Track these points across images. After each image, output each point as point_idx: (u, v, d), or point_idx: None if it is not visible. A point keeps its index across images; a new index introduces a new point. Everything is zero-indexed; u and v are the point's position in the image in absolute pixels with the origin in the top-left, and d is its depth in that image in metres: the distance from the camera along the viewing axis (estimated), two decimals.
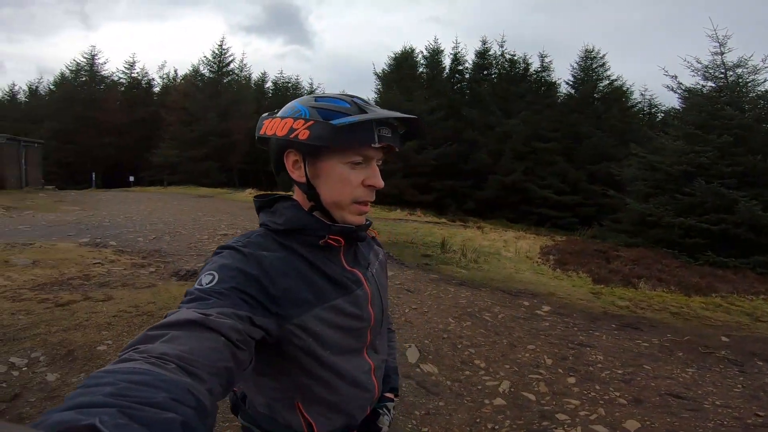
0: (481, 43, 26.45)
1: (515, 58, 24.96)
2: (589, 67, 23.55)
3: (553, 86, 24.75)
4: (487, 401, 2.68)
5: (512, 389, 2.86)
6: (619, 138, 20.87)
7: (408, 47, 26.02)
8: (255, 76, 33.84)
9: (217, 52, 29.81)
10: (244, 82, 31.37)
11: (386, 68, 26.06)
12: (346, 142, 0.70)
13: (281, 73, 34.14)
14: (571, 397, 2.81)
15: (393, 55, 26.11)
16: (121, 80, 33.53)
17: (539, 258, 8.99)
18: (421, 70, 26.26)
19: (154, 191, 21.06)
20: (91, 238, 6.74)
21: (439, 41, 26.89)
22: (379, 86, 26.66)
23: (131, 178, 25.40)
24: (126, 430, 0.31)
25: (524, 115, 21.79)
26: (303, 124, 0.71)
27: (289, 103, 0.77)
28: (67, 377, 2.56)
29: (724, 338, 4.30)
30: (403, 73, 24.85)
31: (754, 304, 6.15)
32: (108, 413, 0.32)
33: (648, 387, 3.02)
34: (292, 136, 0.71)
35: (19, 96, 37.87)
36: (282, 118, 0.74)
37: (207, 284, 0.62)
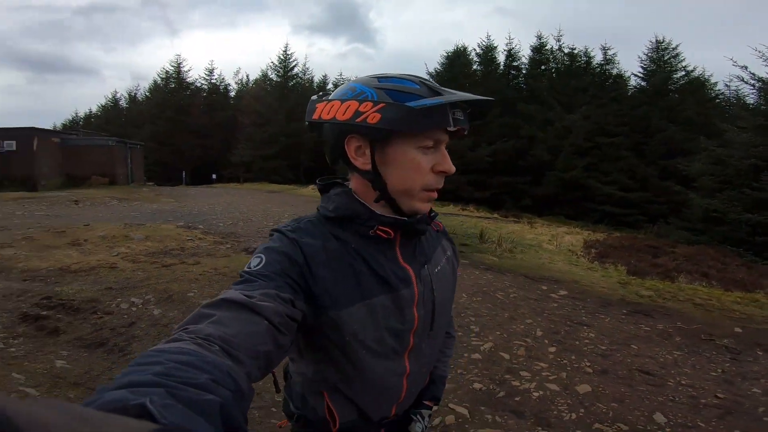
0: (536, 38, 25.82)
1: (575, 51, 24.04)
2: (661, 58, 22.06)
3: (620, 79, 23.49)
4: (466, 355, 3.29)
5: (493, 349, 3.42)
6: (695, 131, 19.41)
7: (460, 45, 26.19)
8: (317, 78, 35.79)
9: (282, 57, 32.24)
10: (307, 84, 33.43)
11: (439, 67, 26.43)
12: (421, 125, 0.67)
13: (341, 74, 35.53)
14: (543, 361, 3.26)
15: (445, 54, 26.39)
16: (203, 86, 37.31)
17: (581, 251, 9.13)
18: (474, 67, 26.24)
19: (231, 187, 23.50)
20: (184, 222, 8.32)
21: (492, 38, 26.73)
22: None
23: (213, 176, 28.47)
24: (172, 410, 0.32)
25: (586, 110, 21.04)
26: (372, 107, 0.66)
27: (346, 85, 0.73)
28: (167, 312, 3.69)
29: (737, 329, 4.37)
30: (456, 72, 25.07)
31: None
32: (157, 393, 0.33)
33: (623, 362, 3.31)
34: (359, 119, 0.67)
35: (121, 102, 42.97)
36: (342, 100, 0.69)
37: (255, 267, 0.63)
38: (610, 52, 23.47)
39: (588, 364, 3.23)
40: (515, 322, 4.10)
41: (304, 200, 15.48)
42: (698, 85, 22.12)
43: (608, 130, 20.98)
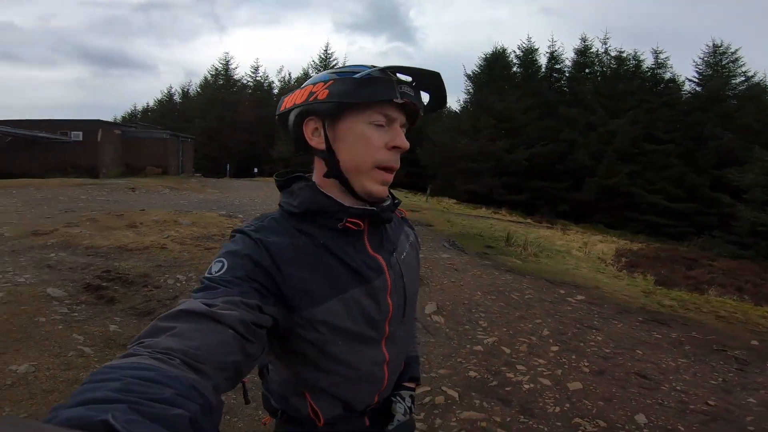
0: (580, 40, 25.07)
1: (623, 54, 23.13)
2: (718, 63, 20.84)
3: (672, 83, 22.39)
4: (468, 346, 3.50)
5: (495, 343, 3.60)
6: (753, 140, 18.21)
7: (499, 47, 25.96)
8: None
9: (322, 56, 33.19)
10: None
11: (477, 69, 26.24)
12: (367, 95, 0.68)
13: None
14: (542, 358, 3.37)
15: (483, 56, 26.20)
16: (249, 83, 38.96)
17: (611, 260, 9.00)
18: (514, 69, 25.84)
19: (271, 181, 24.61)
20: (226, 212, 8.98)
21: (532, 40, 26.21)
22: (468, 87, 26.99)
23: (255, 170, 29.77)
24: (138, 425, 0.31)
25: (633, 114, 20.24)
26: (322, 86, 0.69)
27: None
28: None
29: (754, 342, 4.29)
30: (495, 74, 24.80)
31: None
32: (119, 409, 0.32)
33: (622, 365, 3.35)
34: (311, 99, 0.69)
35: (175, 97, 45.35)
36: (302, 88, 0.72)
37: (216, 272, 0.61)
38: (662, 56, 22.46)
39: (586, 364, 3.34)
40: (524, 321, 4.26)
41: None
42: (759, 91, 20.67)
43: (657, 136, 20.13)
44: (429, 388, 2.82)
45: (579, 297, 5.48)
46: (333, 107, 0.69)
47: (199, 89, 40.03)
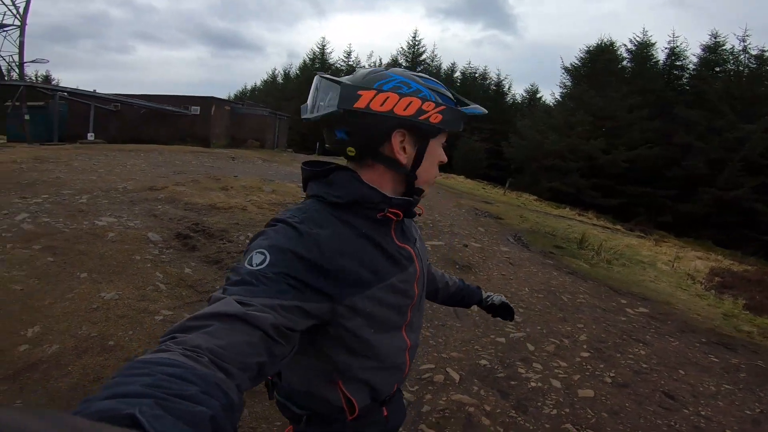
0: (710, 36, 21.56)
1: (766, 54, 19.46)
2: None
3: None
4: (492, 336, 3.51)
5: (521, 339, 3.55)
6: None
7: (606, 40, 23.48)
8: (445, 65, 35.85)
9: (411, 42, 33.11)
10: (434, 71, 33.89)
11: (577, 62, 24.13)
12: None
13: (469, 63, 34.97)
14: (566, 361, 3.25)
15: (586, 48, 23.98)
16: (342, 68, 40.49)
17: (703, 278, 8.00)
18: (624, 64, 23.24)
19: None
20: None
21: (648, 33, 23.20)
22: (564, 80, 24.97)
23: None
24: (162, 421, 0.32)
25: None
26: (434, 108, 0.70)
27: (384, 74, 0.72)
28: None
29: None
30: (599, 68, 22.58)
31: None
32: (146, 404, 0.33)
33: (654, 382, 3.13)
34: (422, 117, 0.70)
35: (278, 78, 48.72)
36: (400, 95, 0.69)
37: (257, 265, 0.61)
38: None
39: (612, 374, 3.18)
40: (564, 323, 4.13)
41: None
42: None
43: None
44: (433, 366, 2.94)
45: (641, 309, 5.08)
46: (437, 131, 0.74)
47: (298, 71, 42.67)
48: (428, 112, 0.70)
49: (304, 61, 41.19)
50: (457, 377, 2.81)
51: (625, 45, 23.76)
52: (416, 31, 38.48)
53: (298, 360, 0.77)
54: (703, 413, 2.84)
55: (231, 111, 22.08)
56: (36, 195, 5.89)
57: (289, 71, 46.70)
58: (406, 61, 33.89)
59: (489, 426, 2.36)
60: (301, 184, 0.82)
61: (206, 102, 20.21)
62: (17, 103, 16.83)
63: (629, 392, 2.96)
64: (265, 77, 52.47)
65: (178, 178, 8.35)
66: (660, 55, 23.19)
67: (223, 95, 48.28)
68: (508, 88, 37.66)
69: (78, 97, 18.31)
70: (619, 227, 15.84)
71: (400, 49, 34.69)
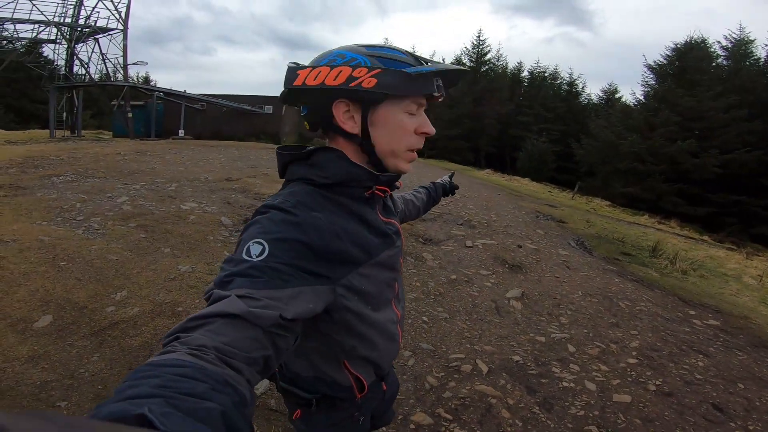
0: None
1: None
2: None
3: None
4: (531, 335, 3.44)
5: (563, 340, 3.43)
6: None
7: (697, 37, 21.21)
8: (511, 65, 34.55)
9: (475, 42, 32.34)
10: (500, 71, 32.80)
11: (662, 59, 22.07)
12: (412, 90, 0.72)
13: (537, 62, 33.30)
14: (608, 365, 3.09)
15: (673, 45, 21.87)
16: None
17: None
18: (719, 62, 20.86)
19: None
20: None
21: (746, 29, 20.60)
22: (648, 79, 22.92)
23: None
24: (172, 417, 0.33)
25: None
26: (367, 72, 0.69)
27: (328, 52, 0.75)
28: None
29: None
30: (689, 65, 20.44)
31: None
32: (155, 403, 0.34)
33: (704, 394, 2.92)
34: (353, 84, 0.69)
35: None
36: (331, 66, 0.71)
37: (257, 256, 0.60)
38: None
39: (658, 383, 2.99)
40: (616, 329, 3.94)
41: (478, 183, 15.97)
42: None
43: None
44: (463, 356, 2.97)
45: (711, 321, 4.66)
46: (378, 96, 0.71)
47: None
48: (359, 77, 0.70)
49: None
50: (485, 369, 2.81)
51: (719, 42, 21.56)
52: (480, 30, 37.40)
53: (304, 346, 0.78)
54: (751, 428, 2.63)
55: (299, 110, 23.43)
56: (135, 182, 6.84)
57: None
58: (470, 61, 33.22)
59: (508, 419, 2.37)
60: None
61: (277, 101, 21.65)
62: (122, 102, 19.25)
63: (672, 401, 2.79)
64: None
65: (251, 171, 9.12)
66: (761, 52, 20.49)
67: None
68: (582, 88, 35.62)
69: (171, 97, 20.58)
70: (706, 238, 14.34)
71: (464, 49, 34.21)
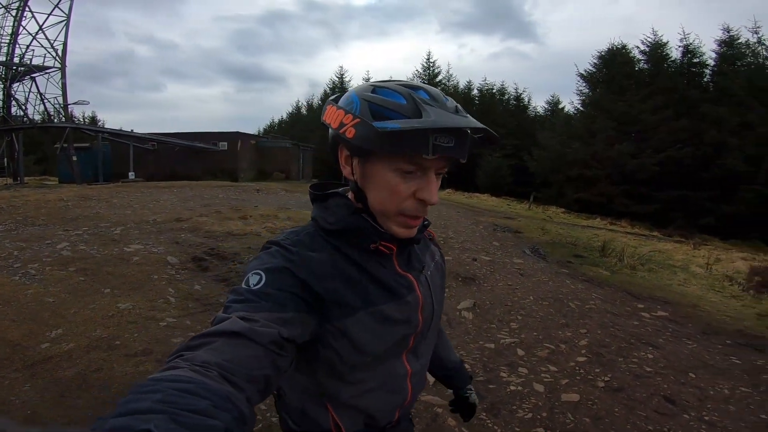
0: (722, 31, 20.87)
1: None
2: None
3: None
4: (481, 342, 3.49)
5: (512, 344, 3.49)
6: None
7: (618, 43, 23.21)
8: (462, 83, 35.94)
9: (425, 65, 33.73)
10: (452, 90, 33.98)
11: (591, 68, 23.87)
12: (392, 148, 0.63)
13: (485, 79, 34.95)
14: (557, 365, 3.15)
15: (598, 54, 23.74)
16: None
17: (742, 279, 7.52)
18: (640, 66, 22.76)
19: None
20: None
21: (659, 33, 22.74)
22: (581, 87, 24.63)
23: None
24: None
25: None
26: (351, 120, 0.65)
27: (352, 89, 0.71)
28: None
29: None
30: (614, 72, 22.18)
31: None
32: (160, 419, 0.34)
33: (655, 386, 2.95)
34: (341, 131, 0.66)
35: (302, 109, 49.45)
36: (338, 107, 0.68)
37: (254, 285, 0.63)
38: None
39: (607, 379, 3.04)
40: (566, 329, 4.03)
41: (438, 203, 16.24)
42: None
43: None
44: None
45: (660, 313, 4.88)
46: (356, 150, 0.67)
47: (320, 101, 44.12)
48: (346, 125, 0.65)
49: (325, 91, 42.58)
50: (432, 379, 2.80)
51: (637, 47, 23.48)
52: (429, 52, 39.08)
53: (295, 378, 0.77)
54: (706, 418, 2.65)
55: (257, 145, 23.20)
56: (77, 227, 6.51)
57: (312, 102, 47.92)
58: (423, 83, 34.42)
59: (454, 427, 2.35)
60: None
61: (232, 137, 21.45)
62: (65, 145, 18.26)
63: (622, 397, 2.82)
64: (290, 109, 54.40)
65: (203, 210, 8.89)
66: (675, 53, 22.63)
67: (253, 129, 50.17)
68: (528, 101, 37.10)
69: (118, 138, 19.81)
70: (655, 233, 15.13)
71: (416, 72, 35.19)
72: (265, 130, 53.67)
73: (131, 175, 18.65)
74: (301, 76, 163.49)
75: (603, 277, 6.49)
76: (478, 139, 0.69)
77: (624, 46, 23.34)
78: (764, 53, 19.53)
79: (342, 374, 0.73)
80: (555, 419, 2.52)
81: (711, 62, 21.83)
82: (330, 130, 0.70)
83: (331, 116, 0.69)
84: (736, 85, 18.98)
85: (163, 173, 19.80)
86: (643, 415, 2.65)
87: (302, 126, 43.73)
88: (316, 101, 46.30)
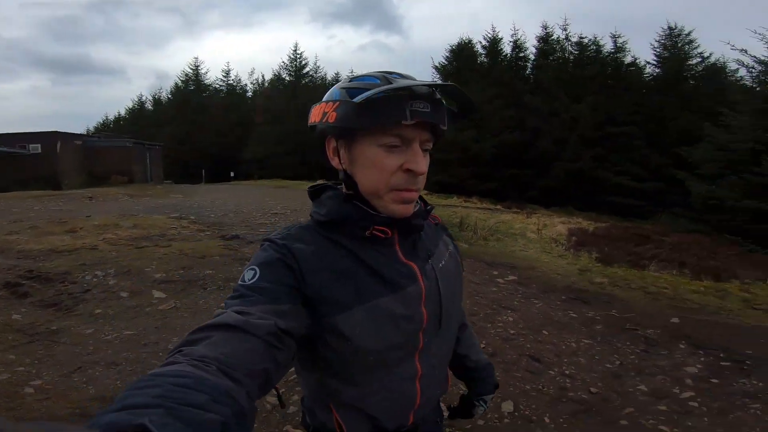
0: (541, 28, 25.50)
1: (584, 40, 23.57)
2: (674, 45, 21.45)
3: (633, 67, 22.88)
4: None
5: None
6: (711, 119, 18.83)
7: (465, 38, 26.23)
8: (330, 75, 36.25)
9: (292, 57, 32.96)
10: (319, 82, 33.91)
11: (444, 61, 26.55)
12: (372, 119, 0.64)
13: (351, 71, 35.83)
14: None
15: (449, 47, 26.51)
16: (221, 87, 38.58)
17: (564, 240, 9.21)
18: (481, 60, 26.17)
19: (245, 184, 24.28)
20: (179, 214, 8.93)
21: (497, 30, 26.55)
22: (437, 79, 27.20)
23: (232, 174, 29.54)
24: (172, 428, 0.33)
25: (593, 99, 20.69)
26: (332, 107, 0.67)
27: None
28: (121, 282, 4.24)
29: (674, 320, 4.20)
30: (461, 65, 25.08)
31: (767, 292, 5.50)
32: (156, 413, 0.34)
33: (521, 347, 3.23)
34: (324, 120, 0.68)
35: (146, 104, 44.07)
36: (319, 104, 0.71)
37: (249, 280, 0.63)
38: (620, 40, 22.89)
39: (483, 346, 3.23)
40: None
41: (304, 193, 15.96)
42: (714, 71, 21.31)
43: (619, 119, 20.56)
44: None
45: (510, 277, 5.60)
46: (342, 131, 0.69)
47: (170, 95, 39.41)
48: (328, 113, 0.69)
49: (176, 84, 38.11)
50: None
51: (480, 42, 26.59)
52: (296, 43, 37.82)
53: (304, 376, 0.77)
54: (567, 372, 2.96)
55: (83, 145, 19.37)
56: None
57: (159, 95, 42.75)
58: (290, 75, 33.26)
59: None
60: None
61: (48, 138, 17.44)
62: None
63: (498, 360, 3.03)
64: (131, 104, 47.11)
65: (12, 227, 7.00)
66: (507, 48, 26.49)
67: (79, 128, 42.21)
68: None
69: None
70: (498, 207, 17.57)
71: (282, 64, 33.85)
72: (96, 128, 45.44)
73: None
74: (144, 68, 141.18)
75: (463, 249, 7.21)
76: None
77: (470, 41, 26.30)
78: (570, 49, 24.22)
79: (342, 374, 0.71)
80: None
81: (532, 56, 26.16)
82: (317, 127, 0.71)
83: (316, 114, 0.72)
84: (548, 78, 23.12)
85: None
86: (518, 375, 2.88)
87: (147, 122, 38.34)
88: (164, 94, 41.38)
